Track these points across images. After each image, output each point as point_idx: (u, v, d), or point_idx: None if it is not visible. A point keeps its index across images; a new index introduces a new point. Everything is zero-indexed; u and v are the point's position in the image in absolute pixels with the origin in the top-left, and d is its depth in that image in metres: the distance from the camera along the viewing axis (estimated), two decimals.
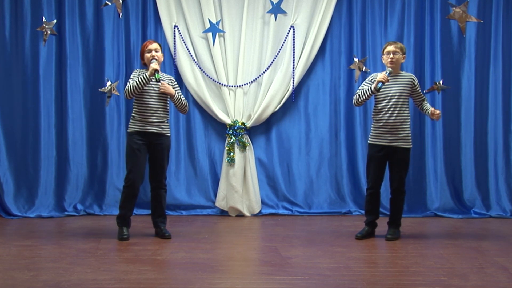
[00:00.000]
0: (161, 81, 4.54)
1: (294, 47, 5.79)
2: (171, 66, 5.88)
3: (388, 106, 4.56)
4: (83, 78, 5.84)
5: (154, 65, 4.46)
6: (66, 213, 5.72)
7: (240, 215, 5.83)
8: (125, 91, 4.52)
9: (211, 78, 5.81)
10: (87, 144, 5.86)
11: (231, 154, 5.78)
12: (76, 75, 5.82)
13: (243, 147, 5.82)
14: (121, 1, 5.81)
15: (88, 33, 5.83)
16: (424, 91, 5.88)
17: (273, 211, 5.92)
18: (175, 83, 4.78)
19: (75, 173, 5.84)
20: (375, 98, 4.67)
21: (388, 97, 4.57)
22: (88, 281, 3.43)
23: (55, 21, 5.78)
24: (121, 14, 5.83)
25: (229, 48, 5.80)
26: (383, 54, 4.64)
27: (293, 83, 5.84)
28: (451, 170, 5.93)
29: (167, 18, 5.79)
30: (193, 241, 4.60)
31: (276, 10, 5.80)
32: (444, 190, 5.89)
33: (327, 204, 5.96)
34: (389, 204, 4.81)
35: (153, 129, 4.58)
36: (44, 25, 5.76)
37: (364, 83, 4.70)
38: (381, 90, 4.53)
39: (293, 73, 5.82)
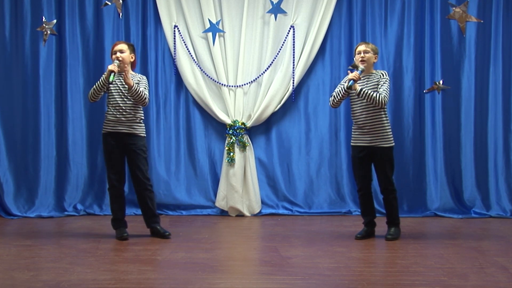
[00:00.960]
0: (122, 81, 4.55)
1: (294, 47, 5.79)
2: (171, 66, 5.89)
3: (363, 107, 4.56)
4: (83, 78, 5.84)
5: (110, 66, 4.45)
6: (66, 213, 5.72)
7: (240, 215, 5.83)
8: (88, 95, 4.59)
9: (211, 78, 5.81)
10: (87, 144, 5.86)
11: (231, 154, 5.78)
12: (76, 75, 5.83)
13: (243, 147, 5.82)
14: (121, 1, 5.81)
15: (88, 33, 5.83)
16: (424, 91, 5.88)
17: (273, 211, 5.92)
18: (143, 80, 4.68)
19: (75, 173, 5.84)
20: (350, 100, 4.68)
21: (361, 99, 4.56)
22: (88, 281, 3.43)
23: (55, 21, 5.78)
24: (121, 14, 5.83)
25: (229, 48, 5.80)
26: (355, 54, 4.67)
27: (293, 83, 5.84)
28: (451, 170, 5.92)
29: (167, 18, 5.79)
30: (193, 241, 4.61)
31: (276, 10, 5.80)
32: (444, 190, 5.89)
33: (327, 204, 5.96)
34: (383, 204, 4.81)
35: (125, 130, 4.56)
36: (44, 25, 5.76)
37: (339, 84, 4.71)
38: (353, 88, 4.50)
39: (293, 73, 5.82)
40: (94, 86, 4.52)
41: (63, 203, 5.79)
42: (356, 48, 4.66)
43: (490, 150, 5.92)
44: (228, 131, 5.83)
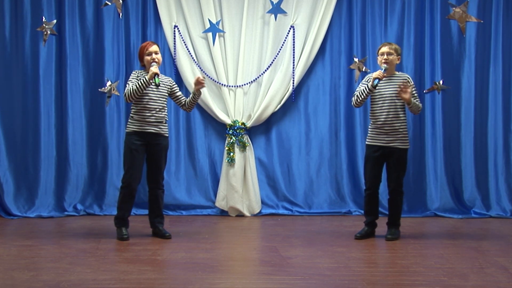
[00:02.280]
0: (161, 84, 4.57)
1: (294, 47, 5.79)
2: (171, 66, 5.89)
3: (384, 107, 4.57)
4: (83, 78, 5.84)
5: (154, 69, 4.46)
6: (66, 213, 5.72)
7: (240, 215, 5.83)
8: (125, 95, 4.52)
9: (211, 78, 5.81)
10: (87, 144, 5.86)
11: (231, 154, 5.78)
12: (76, 75, 5.82)
13: (243, 147, 5.82)
14: (121, 1, 5.81)
15: (88, 33, 5.83)
16: (424, 91, 5.88)
17: (273, 211, 5.92)
18: (174, 84, 4.79)
19: (75, 173, 5.84)
20: (371, 100, 4.68)
21: (383, 98, 4.58)
22: (88, 281, 3.43)
23: (55, 21, 5.78)
24: (121, 14, 5.83)
25: (229, 48, 5.80)
26: (377, 55, 4.66)
27: (293, 83, 5.84)
28: (451, 170, 5.92)
29: (167, 18, 5.79)
30: (193, 241, 4.61)
31: (276, 10, 5.80)
32: (444, 190, 5.89)
33: (327, 204, 5.96)
34: (387, 204, 4.81)
35: (152, 129, 4.57)
36: (44, 25, 5.76)
37: (360, 84, 4.71)
38: (376, 89, 4.54)
39: (293, 73, 5.82)
40: (135, 87, 4.43)
41: (63, 203, 5.78)
42: (379, 49, 4.65)
43: (490, 150, 5.93)
44: (228, 131, 5.83)
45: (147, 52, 4.56)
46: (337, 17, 5.92)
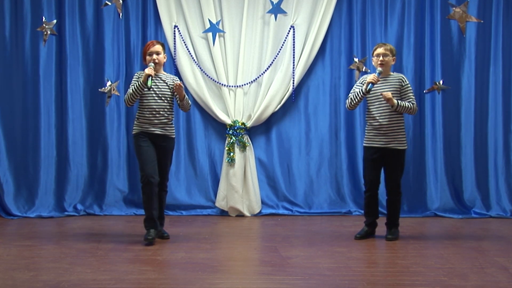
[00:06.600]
0: (167, 84, 4.52)
1: (294, 47, 5.79)
2: (171, 66, 5.89)
3: (380, 109, 4.56)
4: (83, 78, 5.85)
5: (147, 71, 4.37)
6: (66, 213, 5.72)
7: (240, 215, 5.83)
8: (124, 100, 4.49)
9: (211, 78, 5.81)
10: (87, 144, 5.86)
11: (231, 154, 5.78)
12: (76, 75, 5.83)
13: (243, 147, 5.82)
14: (121, 1, 5.81)
15: (88, 33, 5.83)
16: (424, 91, 5.88)
17: (273, 211, 5.92)
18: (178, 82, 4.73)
19: (75, 173, 5.84)
20: (367, 101, 4.67)
21: (379, 99, 4.56)
22: (88, 281, 3.43)
23: (55, 21, 5.78)
24: (121, 14, 5.83)
25: (229, 48, 5.80)
26: (373, 56, 4.65)
27: (293, 83, 5.84)
28: (451, 170, 5.92)
29: (167, 18, 5.80)
30: (193, 241, 4.61)
31: (276, 10, 5.80)
32: (444, 190, 5.89)
33: (327, 204, 5.96)
34: (386, 205, 4.81)
35: (157, 131, 4.51)
36: (44, 25, 5.76)
37: (355, 85, 4.71)
38: (371, 91, 4.52)
39: (293, 73, 5.82)
40: (131, 91, 4.41)
41: (63, 203, 5.79)
42: (374, 50, 4.63)
43: (490, 150, 5.92)
44: (228, 131, 5.83)
45: (148, 52, 4.51)
46: (337, 17, 5.92)
